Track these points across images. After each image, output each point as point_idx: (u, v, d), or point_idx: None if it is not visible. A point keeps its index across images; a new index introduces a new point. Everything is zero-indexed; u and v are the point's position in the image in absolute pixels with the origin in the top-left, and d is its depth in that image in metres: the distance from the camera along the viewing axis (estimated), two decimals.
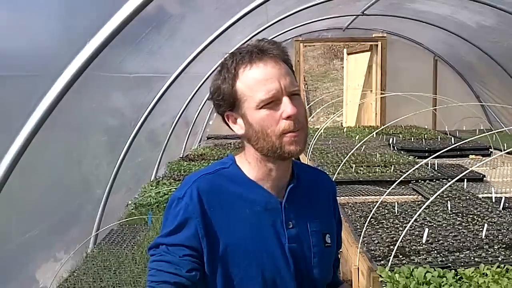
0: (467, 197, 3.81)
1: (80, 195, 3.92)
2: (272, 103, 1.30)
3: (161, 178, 5.64)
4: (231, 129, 1.39)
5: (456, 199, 3.77)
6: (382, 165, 5.01)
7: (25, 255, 3.05)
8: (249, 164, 1.39)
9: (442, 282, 2.31)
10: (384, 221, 3.26)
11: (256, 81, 1.31)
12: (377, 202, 3.29)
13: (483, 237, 2.88)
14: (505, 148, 5.04)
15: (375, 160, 5.26)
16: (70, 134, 3.38)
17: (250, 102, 1.31)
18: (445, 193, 3.83)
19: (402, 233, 2.66)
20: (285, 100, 1.30)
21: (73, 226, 3.85)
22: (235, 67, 1.32)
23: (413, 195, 4.11)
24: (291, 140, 1.31)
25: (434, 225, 3.14)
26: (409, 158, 5.38)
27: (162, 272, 1.30)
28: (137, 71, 4.16)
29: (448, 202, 3.58)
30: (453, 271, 2.43)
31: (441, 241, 2.84)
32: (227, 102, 1.35)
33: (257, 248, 1.35)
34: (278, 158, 1.35)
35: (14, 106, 2.43)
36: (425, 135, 7.07)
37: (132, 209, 4.65)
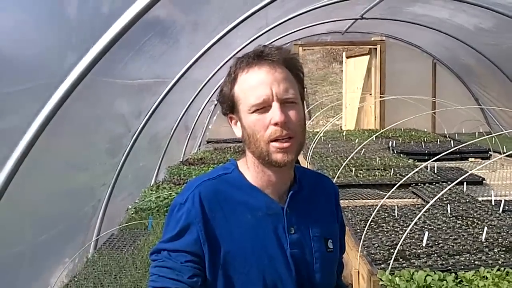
0: (467, 200, 3.81)
1: (81, 200, 3.93)
2: (263, 108, 1.32)
3: (161, 183, 5.64)
4: (234, 131, 1.42)
5: (456, 202, 3.77)
6: (382, 168, 5.02)
7: (25, 261, 3.05)
8: (249, 169, 1.41)
9: (443, 285, 2.32)
10: (384, 224, 3.27)
11: (249, 85, 1.33)
12: (377, 205, 3.29)
13: (483, 240, 2.89)
14: (505, 151, 5.06)
15: (374, 163, 5.27)
16: (71, 139, 3.39)
17: (244, 106, 1.34)
18: (444, 196, 3.83)
19: (402, 237, 2.67)
20: (275, 106, 1.31)
21: (74, 231, 3.86)
22: (235, 71, 1.36)
23: (412, 198, 4.11)
24: (278, 150, 1.32)
25: (434, 228, 3.15)
26: (409, 161, 5.38)
27: (164, 278, 1.31)
28: (138, 77, 4.16)
29: (448, 205, 3.59)
30: (453, 274, 2.43)
31: (441, 244, 2.85)
32: (227, 105, 1.39)
33: (258, 254, 1.35)
34: (269, 165, 1.36)
35: (16, 111, 2.43)
36: (425, 138, 7.07)
37: (132, 213, 4.65)
